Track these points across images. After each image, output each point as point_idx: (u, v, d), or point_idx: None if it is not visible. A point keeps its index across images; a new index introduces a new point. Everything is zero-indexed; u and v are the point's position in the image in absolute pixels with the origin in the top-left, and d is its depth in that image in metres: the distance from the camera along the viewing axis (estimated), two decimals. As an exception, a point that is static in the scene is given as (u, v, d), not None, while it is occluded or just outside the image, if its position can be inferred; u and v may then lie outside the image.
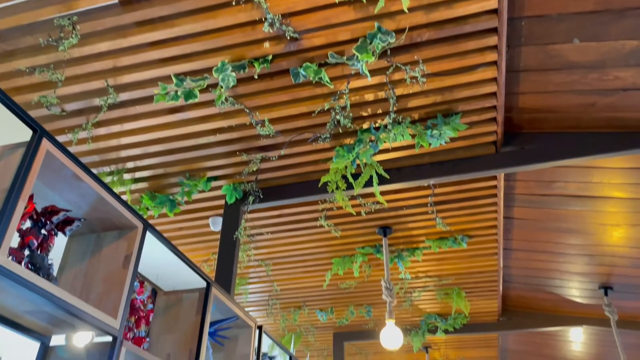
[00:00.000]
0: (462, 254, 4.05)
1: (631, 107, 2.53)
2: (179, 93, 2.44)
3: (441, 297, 4.74)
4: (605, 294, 4.35)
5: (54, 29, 2.21)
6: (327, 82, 2.40)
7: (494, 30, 2.18)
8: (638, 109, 2.53)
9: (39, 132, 1.32)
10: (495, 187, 3.24)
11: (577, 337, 5.65)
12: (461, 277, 4.44)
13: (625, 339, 4.99)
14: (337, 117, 2.61)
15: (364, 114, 2.67)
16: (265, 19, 2.14)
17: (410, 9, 2.09)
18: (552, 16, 2.14)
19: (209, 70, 2.39)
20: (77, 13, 2.18)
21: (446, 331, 5.26)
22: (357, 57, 2.28)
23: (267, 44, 2.28)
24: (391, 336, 3.48)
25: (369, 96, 2.56)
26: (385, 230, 3.75)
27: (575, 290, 4.58)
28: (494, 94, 2.53)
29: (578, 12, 2.10)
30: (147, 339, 1.92)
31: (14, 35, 2.27)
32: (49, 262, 1.40)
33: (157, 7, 2.13)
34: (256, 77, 2.42)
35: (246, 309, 5.12)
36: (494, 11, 2.10)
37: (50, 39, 2.23)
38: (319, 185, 3.02)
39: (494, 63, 2.34)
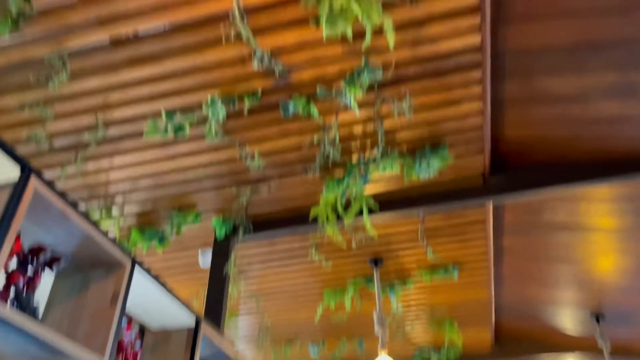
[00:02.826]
0: (453, 284, 4.04)
1: (617, 137, 2.58)
2: (168, 128, 2.46)
3: (434, 329, 4.70)
4: (597, 321, 4.34)
5: (44, 67, 2.23)
6: (316, 115, 2.43)
7: (478, 65, 2.23)
8: (623, 138, 2.58)
9: (27, 170, 1.32)
10: (484, 216, 3.27)
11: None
12: (453, 308, 4.41)
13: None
14: (327, 150, 2.63)
15: (353, 146, 2.69)
16: (255, 55, 2.18)
17: (396, 46, 2.14)
18: (533, 50, 2.20)
19: (199, 105, 2.42)
20: (68, 52, 2.20)
21: (440, 363, 5.19)
22: (346, 91, 2.32)
23: (256, 80, 2.32)
24: (384, 369, 3.42)
25: (358, 129, 2.59)
26: (376, 261, 3.73)
27: (567, 319, 4.57)
28: (480, 126, 2.57)
29: (557, 46, 2.16)
30: (135, 379, 1.88)
31: (4, 73, 2.28)
32: (35, 303, 1.38)
33: (147, 44, 2.16)
34: (246, 111, 2.45)
35: (236, 343, 5.03)
36: (478, 47, 2.16)
37: (41, 77, 2.25)
38: (310, 218, 3.02)
39: (480, 96, 2.38)
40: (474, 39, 2.12)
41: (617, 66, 2.17)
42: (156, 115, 2.46)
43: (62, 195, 1.43)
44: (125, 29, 2.08)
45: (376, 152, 2.65)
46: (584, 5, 1.97)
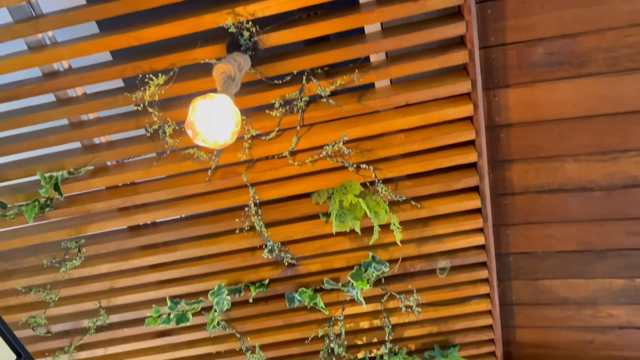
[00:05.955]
0: None
1: (629, 346, 2.49)
2: (171, 316, 2.40)
3: None
4: None
5: (59, 250, 2.29)
6: (322, 307, 2.39)
7: (484, 264, 2.27)
8: (636, 347, 2.48)
9: (23, 357, 1.27)
10: None
11: None
12: None
13: None
14: (331, 344, 2.52)
15: (359, 342, 2.59)
16: (266, 246, 2.24)
17: (403, 242, 2.19)
18: (537, 254, 2.26)
19: (204, 293, 2.40)
20: (85, 236, 2.28)
21: None
22: (352, 284, 2.32)
23: (264, 270, 2.35)
24: None
25: (364, 324, 2.52)
26: None
27: None
28: (490, 327, 2.50)
29: (561, 250, 2.22)
30: None
31: (18, 255, 2.33)
32: None
33: (162, 233, 2.24)
34: (251, 300, 2.42)
35: None
36: (482, 247, 2.22)
37: (54, 261, 2.29)
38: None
39: (487, 295, 2.37)
40: (478, 239, 2.19)
41: (623, 272, 2.21)
42: (160, 302, 2.43)
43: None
44: (144, 219, 2.19)
45: (383, 349, 2.53)
46: (581, 216, 2.10)
